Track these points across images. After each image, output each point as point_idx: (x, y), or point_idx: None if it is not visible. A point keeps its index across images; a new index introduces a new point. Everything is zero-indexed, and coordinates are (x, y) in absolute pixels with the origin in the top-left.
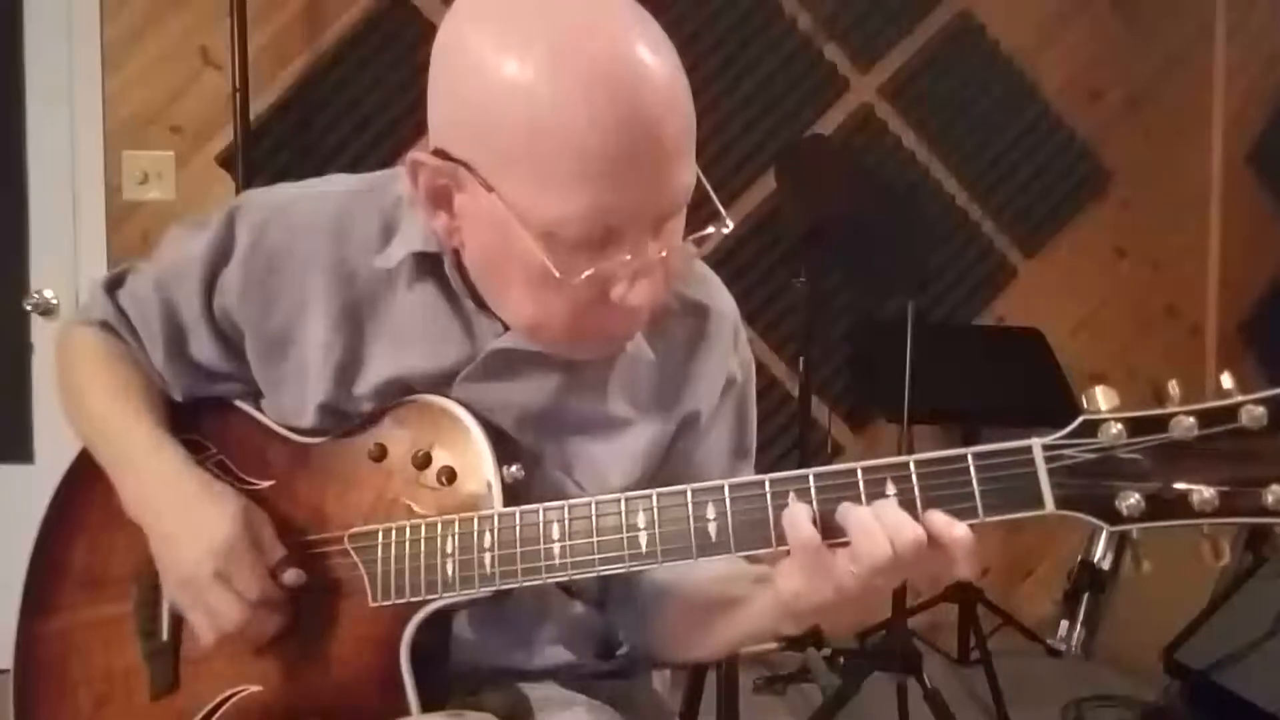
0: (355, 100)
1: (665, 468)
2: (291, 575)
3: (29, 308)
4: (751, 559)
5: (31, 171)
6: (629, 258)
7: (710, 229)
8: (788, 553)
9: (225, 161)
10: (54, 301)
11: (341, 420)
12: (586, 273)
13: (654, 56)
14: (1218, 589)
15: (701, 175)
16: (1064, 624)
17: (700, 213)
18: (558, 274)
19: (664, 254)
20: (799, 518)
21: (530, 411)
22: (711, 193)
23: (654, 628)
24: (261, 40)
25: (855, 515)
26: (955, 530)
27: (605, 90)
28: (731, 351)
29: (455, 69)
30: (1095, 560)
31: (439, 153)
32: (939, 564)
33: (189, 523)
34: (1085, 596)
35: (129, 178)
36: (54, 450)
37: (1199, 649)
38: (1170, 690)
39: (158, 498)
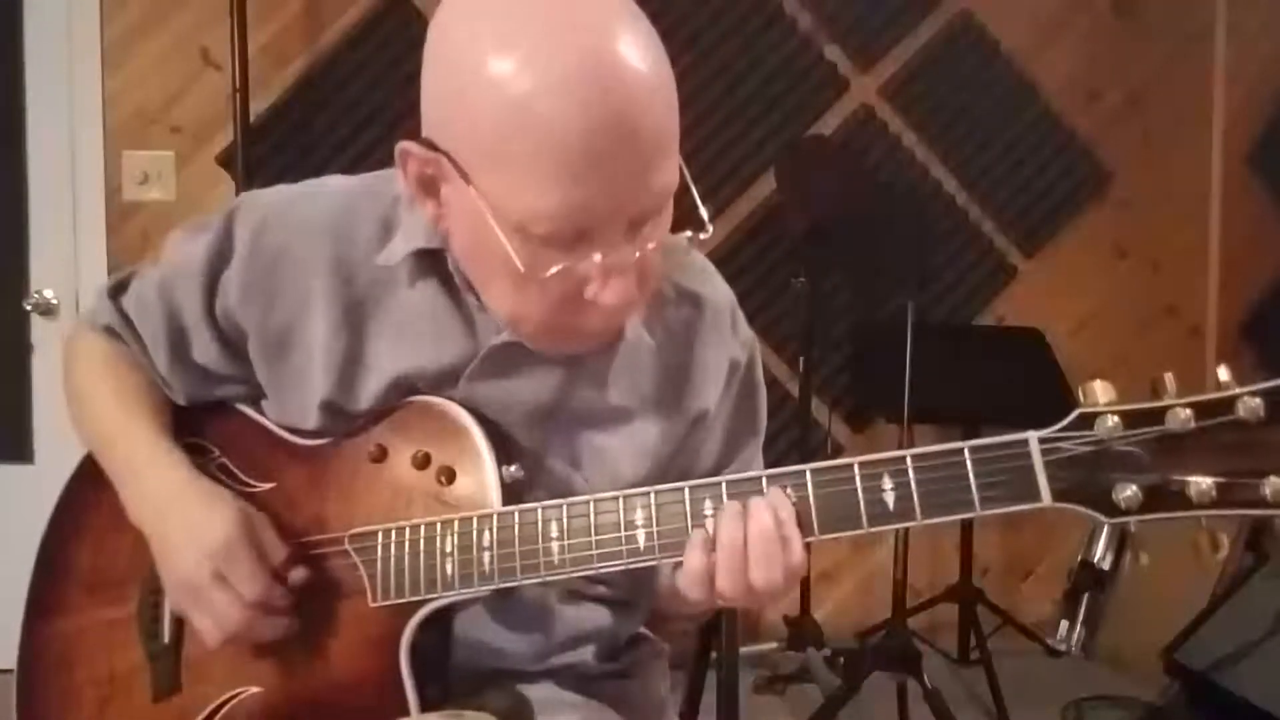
0: (355, 100)
1: (677, 463)
2: (298, 574)
3: (29, 308)
4: None
5: (31, 171)
6: (598, 257)
7: (688, 233)
8: None
9: (225, 161)
10: (54, 301)
11: (344, 420)
12: (553, 269)
13: (636, 56)
14: (1218, 589)
15: (688, 177)
16: (1064, 624)
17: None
18: (522, 269)
19: (638, 255)
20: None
21: (536, 407)
22: (696, 197)
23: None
24: (261, 40)
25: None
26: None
27: (580, 91)
28: (731, 336)
29: (441, 61)
30: (1095, 560)
31: (426, 142)
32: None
33: (188, 526)
34: (1085, 596)
35: (129, 178)
36: (54, 450)
37: (1199, 649)
38: (1170, 690)
39: (159, 504)
